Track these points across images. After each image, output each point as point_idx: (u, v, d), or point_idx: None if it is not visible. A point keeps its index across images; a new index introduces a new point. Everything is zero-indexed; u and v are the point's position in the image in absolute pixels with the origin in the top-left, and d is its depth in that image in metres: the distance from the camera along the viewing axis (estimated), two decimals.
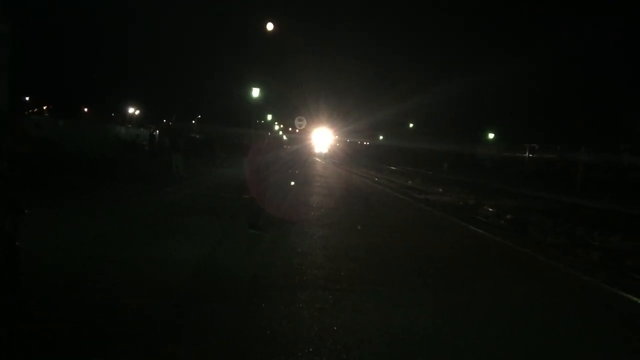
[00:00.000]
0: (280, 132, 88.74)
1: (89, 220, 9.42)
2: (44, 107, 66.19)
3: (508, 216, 18.02)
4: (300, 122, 32.07)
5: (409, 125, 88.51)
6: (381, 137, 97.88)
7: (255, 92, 31.35)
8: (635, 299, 6.77)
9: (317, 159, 63.16)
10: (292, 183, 17.93)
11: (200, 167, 24.78)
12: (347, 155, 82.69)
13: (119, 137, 36.64)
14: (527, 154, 52.35)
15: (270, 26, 28.54)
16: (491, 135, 62.58)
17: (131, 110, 68.26)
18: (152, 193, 14.17)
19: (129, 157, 26.68)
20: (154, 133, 38.59)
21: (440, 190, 28.50)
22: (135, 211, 10.92)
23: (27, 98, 60.59)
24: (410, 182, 33.88)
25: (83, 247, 7.43)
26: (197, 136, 48.49)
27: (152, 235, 8.53)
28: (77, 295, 5.35)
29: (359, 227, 11.23)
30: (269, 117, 71.39)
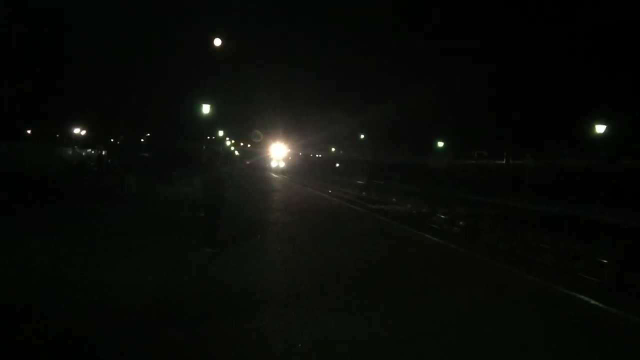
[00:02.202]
0: (232, 148, 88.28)
1: (39, 244, 9.16)
2: None
3: (461, 223, 18.45)
4: (256, 136, 32.09)
5: (360, 136, 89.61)
6: (333, 149, 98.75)
7: (206, 109, 31.03)
8: (587, 299, 7.02)
9: (273, 174, 62.95)
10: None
11: (152, 186, 24.29)
12: (302, 169, 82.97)
13: (66, 158, 35.57)
14: (475, 160, 53.82)
15: (217, 42, 28.37)
16: (440, 144, 63.87)
17: (77, 130, 66.32)
18: (104, 214, 13.81)
19: (78, 178, 25.88)
20: (103, 153, 37.63)
21: (394, 200, 28.93)
22: (87, 233, 10.63)
23: None
24: (364, 193, 34.23)
25: (35, 271, 7.20)
26: (146, 155, 47.57)
27: (107, 258, 8.29)
28: (32, 322, 5.14)
29: (316, 241, 11.23)
30: (220, 132, 70.85)
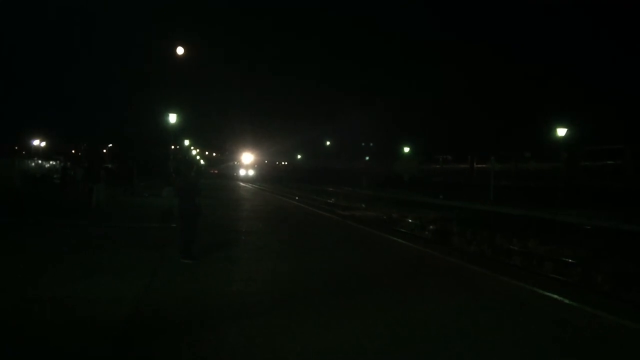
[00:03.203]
0: (198, 157, 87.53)
1: (8, 260, 8.92)
2: None
3: (431, 227, 18.74)
4: (225, 147, 32.12)
5: (326, 143, 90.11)
6: (299, 157, 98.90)
7: (173, 118, 30.72)
8: (560, 298, 7.27)
9: (242, 183, 62.53)
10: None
11: (119, 197, 23.92)
12: (271, 176, 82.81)
13: (28, 171, 34.63)
14: (440, 165, 54.59)
15: (180, 50, 28.16)
16: (407, 149, 64.62)
17: (36, 142, 64.73)
18: (74, 228, 13.51)
19: (42, 191, 25.27)
20: (67, 165, 36.80)
21: (364, 206, 29.18)
22: (58, 247, 10.37)
23: None
24: (333, 199, 34.44)
25: (7, 288, 7.02)
26: (110, 166, 46.80)
27: (81, 273, 8.12)
28: (6, 340, 5.04)
29: (292, 249, 11.31)
30: (186, 142, 70.23)
